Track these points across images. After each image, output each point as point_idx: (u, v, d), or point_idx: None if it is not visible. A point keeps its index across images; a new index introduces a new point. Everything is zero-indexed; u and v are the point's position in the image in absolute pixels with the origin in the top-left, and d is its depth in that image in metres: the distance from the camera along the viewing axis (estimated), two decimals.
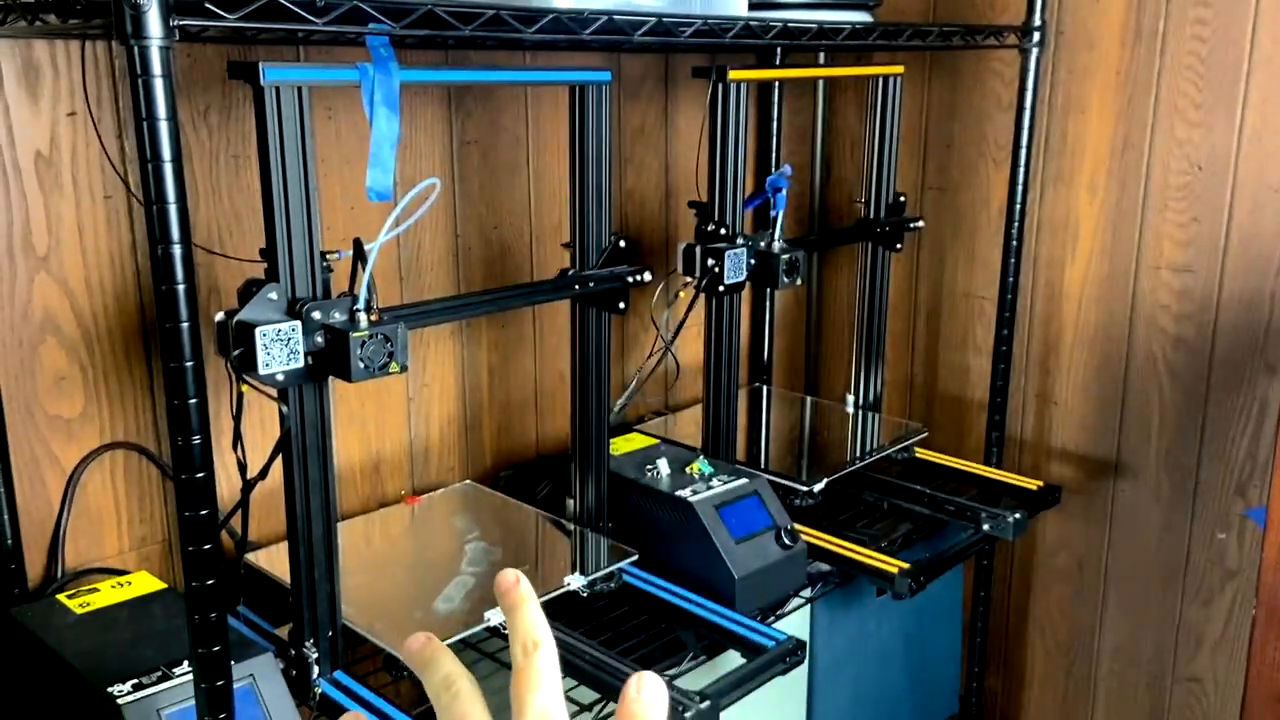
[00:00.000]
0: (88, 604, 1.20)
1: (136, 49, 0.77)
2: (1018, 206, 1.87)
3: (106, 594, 1.22)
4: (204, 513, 0.85)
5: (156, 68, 0.77)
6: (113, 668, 1.06)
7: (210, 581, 0.87)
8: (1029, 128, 1.83)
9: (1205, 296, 1.82)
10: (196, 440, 0.84)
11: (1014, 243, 1.89)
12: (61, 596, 1.22)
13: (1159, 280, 1.86)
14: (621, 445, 1.72)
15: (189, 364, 0.82)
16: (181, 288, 0.81)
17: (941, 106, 2.09)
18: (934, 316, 2.18)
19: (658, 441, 1.75)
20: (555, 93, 1.77)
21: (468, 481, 1.77)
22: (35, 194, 1.27)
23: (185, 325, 0.81)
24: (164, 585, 1.26)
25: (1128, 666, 2.02)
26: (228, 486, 1.47)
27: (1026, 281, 2.01)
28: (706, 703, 1.19)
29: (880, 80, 1.87)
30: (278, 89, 1.07)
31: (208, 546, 0.86)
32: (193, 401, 0.83)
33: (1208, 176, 1.78)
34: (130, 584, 1.25)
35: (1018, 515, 1.66)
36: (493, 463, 1.83)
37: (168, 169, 0.79)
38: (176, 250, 0.80)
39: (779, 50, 2.06)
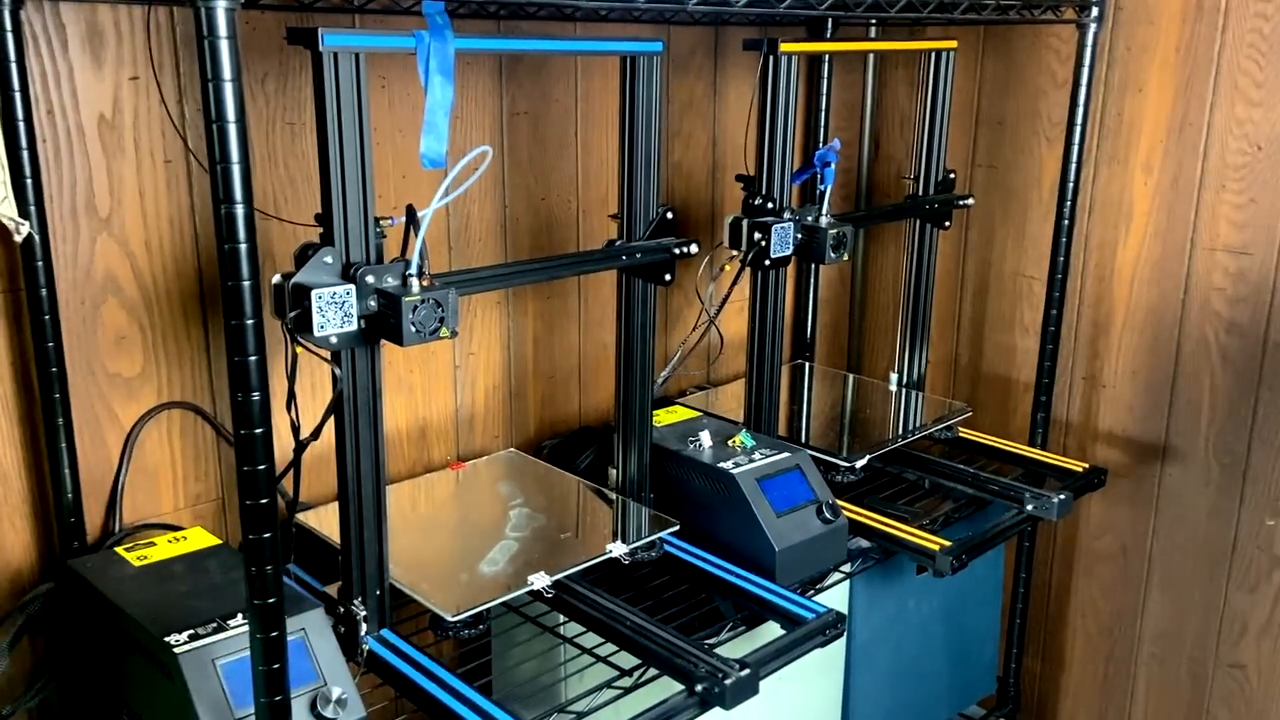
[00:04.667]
0: (145, 557, 1.24)
1: (203, 11, 0.79)
2: (1070, 185, 1.85)
3: (163, 548, 1.26)
4: (261, 467, 0.88)
5: (222, 29, 0.79)
6: (169, 618, 1.09)
7: (267, 535, 0.89)
8: (1084, 105, 1.80)
9: (1261, 279, 1.78)
10: (256, 397, 0.86)
11: (1065, 222, 1.86)
12: (120, 549, 1.26)
13: (1214, 262, 1.83)
14: (664, 417, 1.73)
15: (249, 321, 0.84)
16: (244, 247, 0.82)
17: (995, 83, 2.06)
18: (980, 296, 2.16)
19: (700, 414, 1.76)
20: (605, 66, 1.77)
21: (512, 449, 1.79)
22: (98, 157, 1.30)
23: (246, 284, 0.83)
24: (219, 541, 1.29)
25: (1169, 652, 2.00)
26: (279, 448, 1.50)
27: (1077, 262, 1.98)
28: (746, 670, 1.20)
29: (932, 55, 1.84)
30: (336, 55, 1.09)
31: (264, 500, 0.88)
32: (253, 359, 0.85)
33: (1267, 157, 1.75)
34: (186, 539, 1.28)
35: (1063, 496, 1.65)
36: (536, 432, 1.85)
37: (232, 130, 0.80)
38: (239, 210, 0.82)
39: (830, 24, 2.05)
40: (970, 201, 1.97)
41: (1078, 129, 1.81)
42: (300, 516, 1.44)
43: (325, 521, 1.42)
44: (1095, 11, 1.76)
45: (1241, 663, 1.92)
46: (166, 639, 1.05)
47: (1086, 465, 1.80)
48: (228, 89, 0.80)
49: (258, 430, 0.87)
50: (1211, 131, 1.80)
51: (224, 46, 0.79)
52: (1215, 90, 1.79)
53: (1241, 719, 1.94)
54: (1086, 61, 1.78)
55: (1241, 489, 1.86)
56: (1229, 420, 1.86)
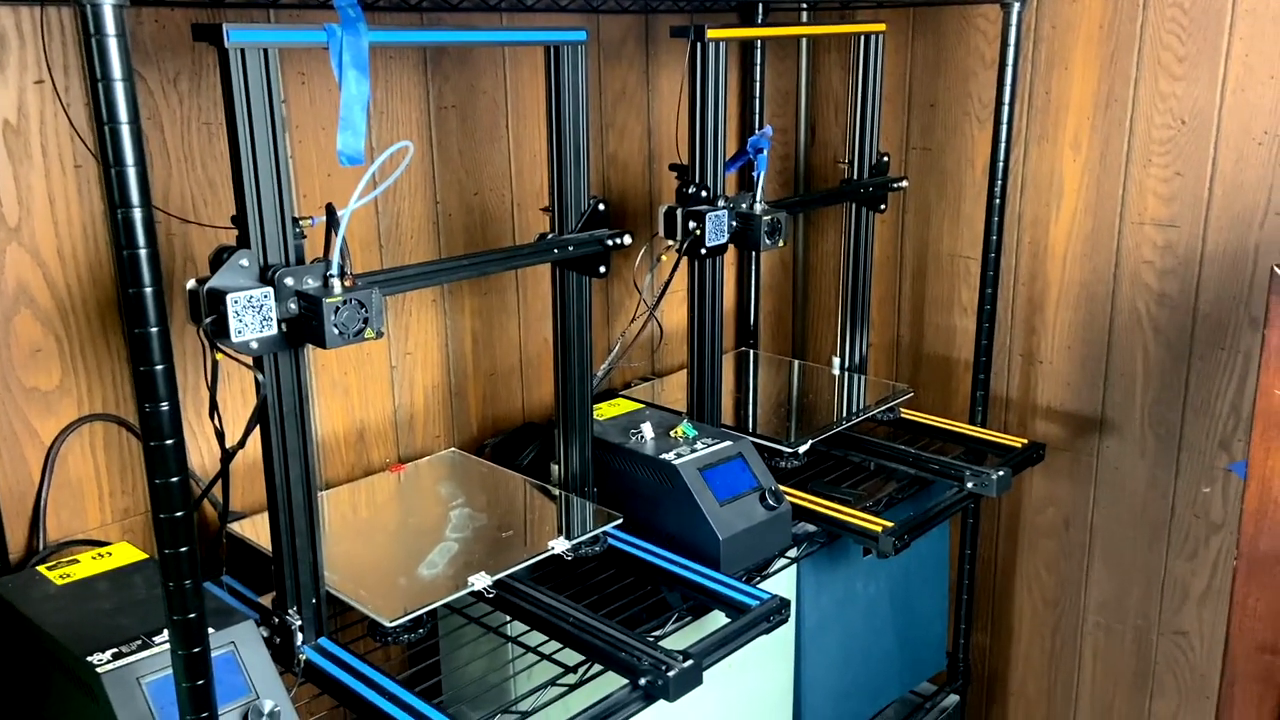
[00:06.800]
0: (68, 575, 1.20)
1: (89, 7, 0.75)
2: (1001, 165, 1.86)
3: (87, 565, 1.22)
4: (174, 480, 0.85)
5: (110, 27, 0.76)
6: (93, 637, 1.05)
7: (184, 549, 0.86)
8: (1011, 85, 1.82)
9: (1189, 251, 1.81)
10: (165, 407, 0.83)
11: (997, 202, 1.88)
12: (42, 568, 1.22)
13: (1143, 236, 1.86)
14: (607, 410, 1.71)
15: (154, 329, 0.81)
16: (144, 252, 0.79)
17: (925, 65, 2.07)
18: (919, 277, 2.17)
19: (643, 406, 1.75)
20: (534, 57, 1.75)
21: (453, 449, 1.76)
22: (4, 164, 1.25)
23: (149, 290, 0.80)
24: (145, 556, 1.26)
25: (1114, 621, 2.04)
26: (209, 457, 1.47)
27: (1011, 240, 2.00)
28: (689, 662, 1.19)
29: (862, 38, 1.85)
30: (243, 51, 1.06)
31: (179, 514, 0.86)
32: (159, 368, 0.82)
33: (1191, 131, 1.77)
34: (111, 555, 1.24)
35: (1001, 473, 1.67)
36: (479, 430, 1.83)
37: (125, 131, 0.77)
38: (137, 214, 0.79)
39: (760, 8, 2.04)
40: (904, 184, 1.98)
41: (1005, 108, 1.82)
42: (233, 526, 1.41)
43: (260, 530, 1.38)
44: None
45: (1184, 629, 1.95)
46: (89, 659, 1.02)
47: (1025, 441, 1.82)
48: (119, 89, 0.77)
49: (168, 441, 0.84)
50: (1137, 107, 1.82)
51: (112, 45, 0.76)
52: (1139, 66, 1.81)
53: (1186, 684, 1.97)
54: (1012, 41, 1.79)
55: (1177, 458, 1.89)
56: (1162, 391, 1.89)
